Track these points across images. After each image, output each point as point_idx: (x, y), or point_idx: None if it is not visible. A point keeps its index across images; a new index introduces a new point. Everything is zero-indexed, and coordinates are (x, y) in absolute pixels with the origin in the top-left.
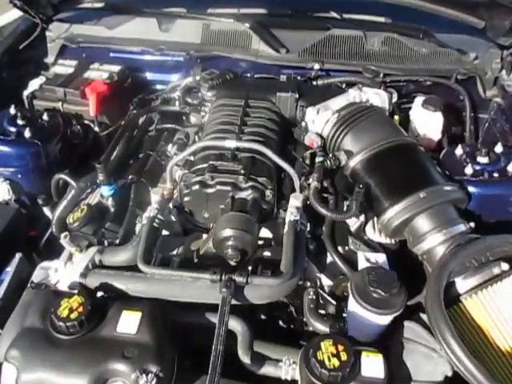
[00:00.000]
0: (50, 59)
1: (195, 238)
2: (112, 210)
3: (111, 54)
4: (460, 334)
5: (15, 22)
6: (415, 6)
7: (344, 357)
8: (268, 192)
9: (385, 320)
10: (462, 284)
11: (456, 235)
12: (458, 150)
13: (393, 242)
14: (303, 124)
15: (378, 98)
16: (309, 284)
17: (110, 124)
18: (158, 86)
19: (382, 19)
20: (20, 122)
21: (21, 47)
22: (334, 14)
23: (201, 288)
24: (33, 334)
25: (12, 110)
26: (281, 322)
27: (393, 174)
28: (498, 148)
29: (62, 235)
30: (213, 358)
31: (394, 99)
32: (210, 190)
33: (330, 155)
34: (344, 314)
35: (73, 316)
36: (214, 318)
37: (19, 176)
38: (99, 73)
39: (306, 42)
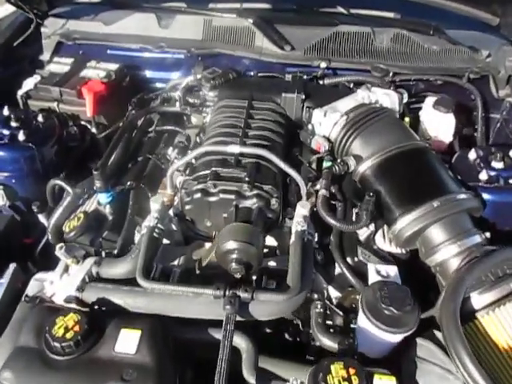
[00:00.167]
0: (45, 56)
1: (197, 246)
2: (110, 218)
3: (109, 52)
4: (475, 352)
5: (8, 18)
6: (425, 1)
7: (355, 381)
8: (274, 200)
9: (397, 338)
10: (478, 299)
11: (471, 247)
12: (471, 154)
13: (404, 251)
14: (310, 126)
15: (388, 98)
16: (316, 296)
17: (107, 125)
18: (158, 85)
19: (391, 15)
20: (14, 124)
21: (15, 44)
22: (341, 10)
23: (203, 304)
24: (27, 354)
25: (5, 112)
26: (286, 335)
27: (405, 181)
28: None
29: (58, 246)
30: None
31: (405, 100)
32: (212, 199)
33: (339, 160)
34: (352, 326)
35: (68, 336)
36: (216, 334)
37: (13, 181)
38: (96, 71)
39: (312, 38)
